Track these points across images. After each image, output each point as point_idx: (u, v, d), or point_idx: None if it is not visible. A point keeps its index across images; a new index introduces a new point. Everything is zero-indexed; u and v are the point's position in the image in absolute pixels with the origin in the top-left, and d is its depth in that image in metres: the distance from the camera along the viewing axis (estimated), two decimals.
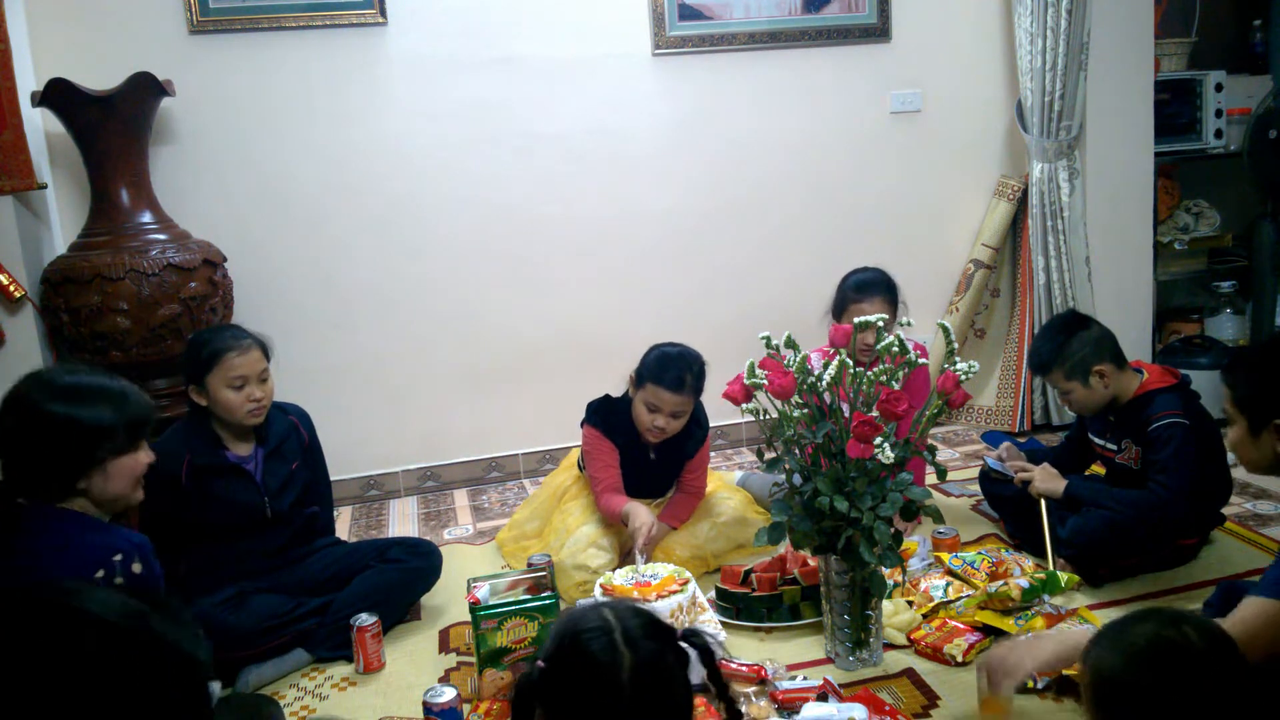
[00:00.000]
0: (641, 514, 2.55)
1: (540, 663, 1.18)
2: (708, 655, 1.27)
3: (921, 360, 2.13)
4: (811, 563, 2.38)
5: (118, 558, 1.70)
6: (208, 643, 0.91)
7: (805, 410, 2.08)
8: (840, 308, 2.88)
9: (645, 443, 2.70)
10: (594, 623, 1.18)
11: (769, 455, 2.15)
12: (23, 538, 1.69)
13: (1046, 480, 2.59)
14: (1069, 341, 2.53)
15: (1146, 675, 1.18)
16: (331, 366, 3.43)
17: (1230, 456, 2.65)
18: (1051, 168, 3.67)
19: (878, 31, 3.71)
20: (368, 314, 3.47)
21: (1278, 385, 1.75)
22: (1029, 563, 2.50)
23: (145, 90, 2.95)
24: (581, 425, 2.76)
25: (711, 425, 2.86)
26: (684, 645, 1.23)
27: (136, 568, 1.72)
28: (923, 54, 3.77)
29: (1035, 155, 3.69)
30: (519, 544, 2.91)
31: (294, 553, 2.52)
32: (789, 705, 1.94)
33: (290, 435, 2.55)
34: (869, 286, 2.85)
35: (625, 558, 2.65)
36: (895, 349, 2.08)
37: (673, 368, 2.58)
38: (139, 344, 2.88)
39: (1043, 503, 2.57)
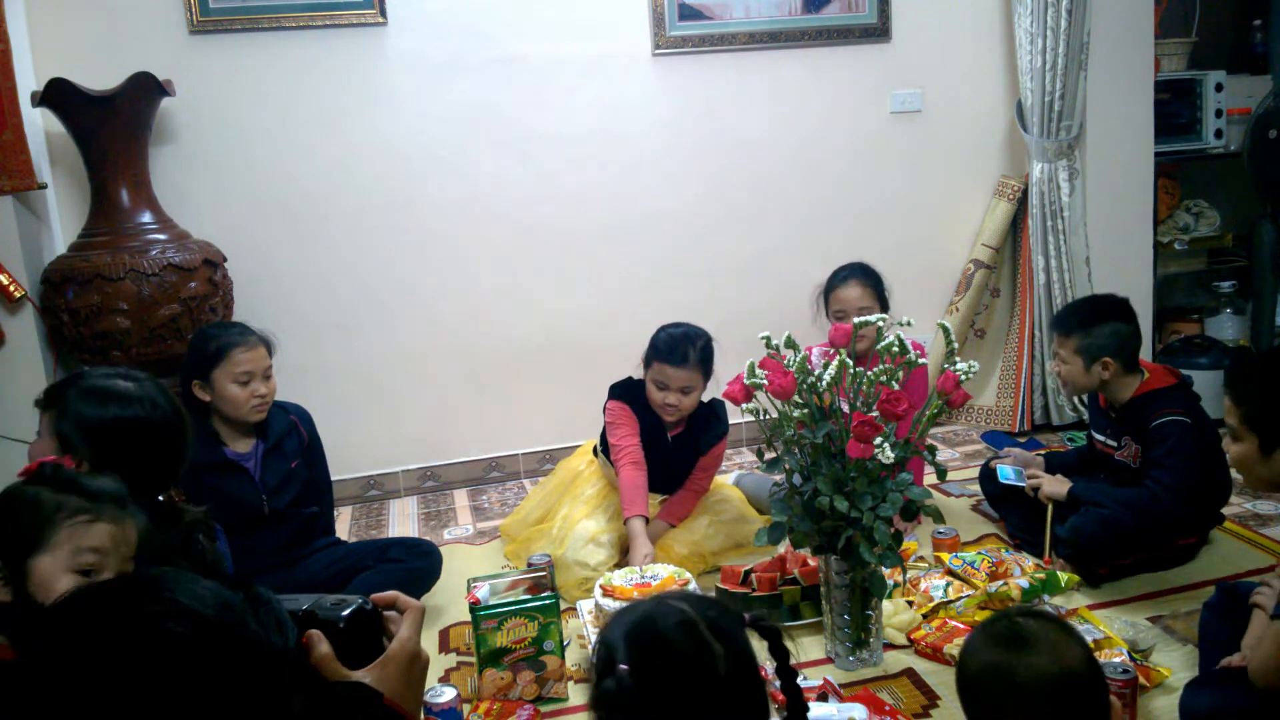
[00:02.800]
0: (640, 552, 2.56)
1: (623, 666, 1.06)
2: (776, 642, 1.22)
3: (921, 360, 2.13)
4: (811, 563, 2.38)
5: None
6: (293, 634, 0.90)
7: (805, 410, 2.08)
8: (825, 300, 3.02)
9: (663, 425, 2.74)
10: (673, 618, 1.08)
11: (769, 455, 2.15)
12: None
13: (1053, 484, 2.59)
14: (1102, 324, 2.54)
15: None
16: (331, 366, 3.43)
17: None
18: (1051, 168, 3.67)
19: (878, 31, 3.71)
20: (368, 314, 3.47)
21: None
22: (1029, 563, 2.50)
23: (145, 90, 2.95)
24: (606, 402, 2.79)
25: None
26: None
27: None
28: (923, 54, 3.76)
29: (1035, 155, 3.69)
30: (520, 530, 2.92)
31: (294, 553, 2.52)
32: None
33: (290, 433, 2.55)
34: (844, 270, 2.98)
35: (625, 555, 2.65)
36: (895, 349, 2.08)
37: (677, 344, 2.64)
38: (139, 344, 2.88)
39: (1050, 505, 2.57)
